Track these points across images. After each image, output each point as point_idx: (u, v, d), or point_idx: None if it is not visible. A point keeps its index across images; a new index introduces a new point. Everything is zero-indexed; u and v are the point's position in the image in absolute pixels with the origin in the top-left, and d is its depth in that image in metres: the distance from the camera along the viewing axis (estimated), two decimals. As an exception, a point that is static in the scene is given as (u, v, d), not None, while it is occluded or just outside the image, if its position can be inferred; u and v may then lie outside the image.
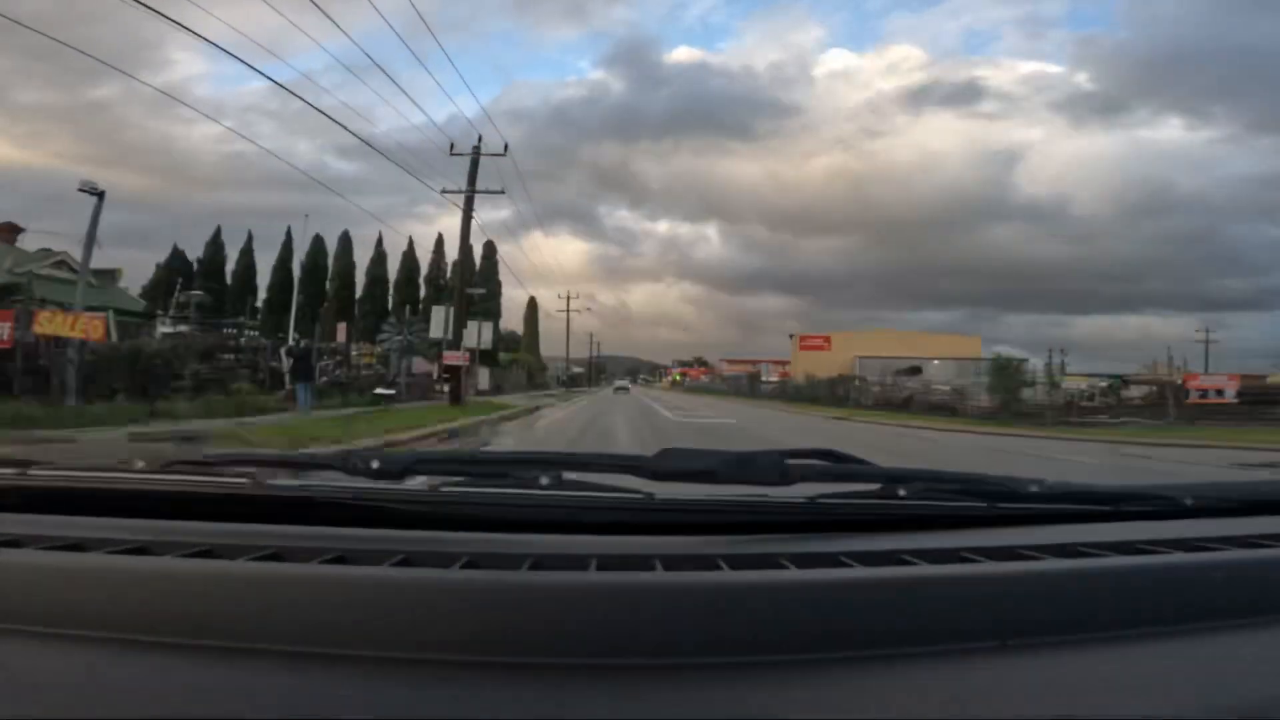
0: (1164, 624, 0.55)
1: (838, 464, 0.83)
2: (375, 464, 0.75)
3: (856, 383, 35.34)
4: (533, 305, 58.59)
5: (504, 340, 57.54)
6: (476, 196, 19.95)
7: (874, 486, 0.79)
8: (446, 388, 35.45)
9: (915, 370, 37.15)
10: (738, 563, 0.59)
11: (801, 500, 0.73)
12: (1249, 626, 0.57)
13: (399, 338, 22.83)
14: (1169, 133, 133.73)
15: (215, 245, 41.20)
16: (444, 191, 20.39)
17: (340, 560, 0.58)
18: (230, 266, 40.80)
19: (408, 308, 31.88)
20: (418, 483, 0.76)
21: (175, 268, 40.55)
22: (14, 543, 0.61)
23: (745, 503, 0.72)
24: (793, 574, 0.57)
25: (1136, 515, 0.81)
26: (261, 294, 41.12)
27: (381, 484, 0.75)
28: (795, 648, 0.50)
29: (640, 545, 0.64)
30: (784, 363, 71.22)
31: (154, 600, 0.53)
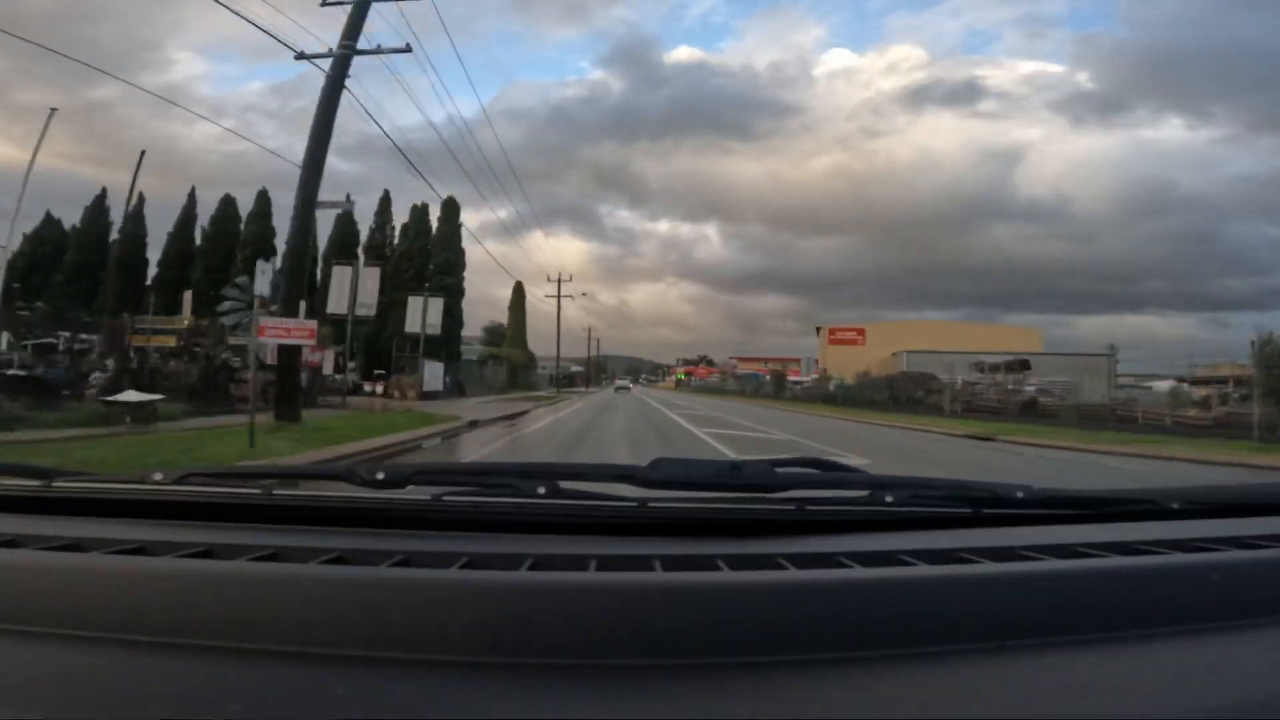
0: (1164, 624, 0.55)
1: (825, 471, 0.85)
2: (380, 475, 0.77)
3: (954, 382, 25.87)
4: (519, 292, 49.43)
5: (489, 334, 48.98)
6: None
7: (862, 493, 0.79)
8: (378, 387, 26.02)
9: (1022, 365, 27.83)
10: (737, 563, 0.59)
11: (793, 505, 0.74)
12: (1248, 627, 0.56)
13: (250, 310, 13.58)
14: (1170, 132, 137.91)
15: (98, 211, 31.95)
16: (301, 56, 11.40)
17: (339, 561, 0.58)
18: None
19: (272, 265, 22.86)
20: (420, 492, 0.75)
21: (46, 238, 31.43)
22: (13, 543, 0.60)
23: (738, 506, 0.74)
24: (792, 574, 0.57)
25: (1126, 518, 0.81)
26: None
27: (385, 493, 0.76)
28: (796, 647, 0.49)
29: (638, 546, 0.64)
30: (812, 360, 62.33)
31: (152, 600, 0.52)
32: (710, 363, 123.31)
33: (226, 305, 14.41)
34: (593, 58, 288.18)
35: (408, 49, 12.33)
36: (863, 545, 0.64)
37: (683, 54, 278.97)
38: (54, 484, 0.78)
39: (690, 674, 0.47)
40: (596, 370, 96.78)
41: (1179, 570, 0.61)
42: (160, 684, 0.46)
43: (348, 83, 11.19)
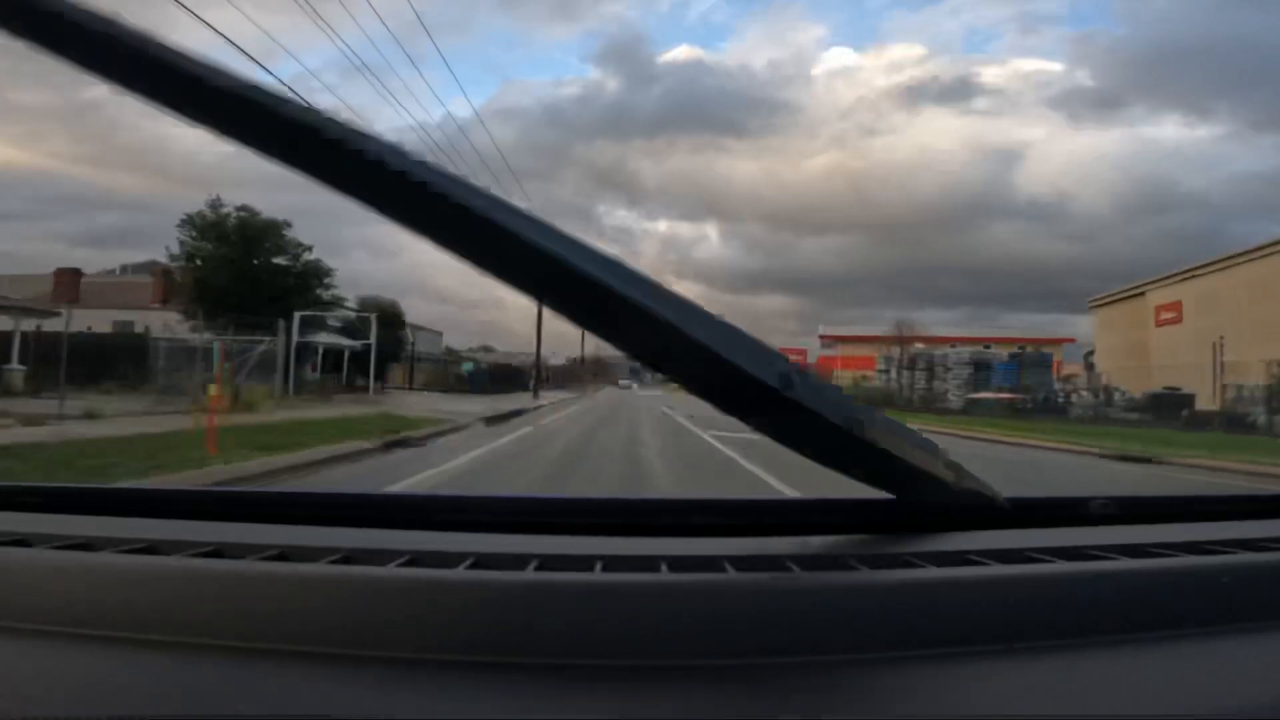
0: (1173, 627, 0.55)
1: None
2: None
3: None
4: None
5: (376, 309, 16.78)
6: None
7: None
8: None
9: None
10: (743, 565, 0.59)
11: (799, 505, 0.74)
12: (1259, 629, 0.56)
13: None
14: (1170, 130, 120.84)
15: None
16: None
17: (346, 560, 0.58)
18: None
19: None
20: (428, 491, 0.74)
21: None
22: (22, 541, 0.61)
23: (745, 505, 0.75)
24: (798, 576, 0.58)
25: (1137, 520, 0.82)
26: None
27: (393, 492, 0.75)
28: (802, 650, 0.50)
29: (644, 547, 0.65)
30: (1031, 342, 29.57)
31: (161, 599, 0.53)
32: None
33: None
34: (593, 58, 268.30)
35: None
36: (872, 546, 0.65)
37: (681, 53, 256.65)
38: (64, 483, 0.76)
39: (697, 675, 0.47)
40: (588, 366, 66.22)
41: (1189, 572, 0.61)
42: (168, 683, 0.46)
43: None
